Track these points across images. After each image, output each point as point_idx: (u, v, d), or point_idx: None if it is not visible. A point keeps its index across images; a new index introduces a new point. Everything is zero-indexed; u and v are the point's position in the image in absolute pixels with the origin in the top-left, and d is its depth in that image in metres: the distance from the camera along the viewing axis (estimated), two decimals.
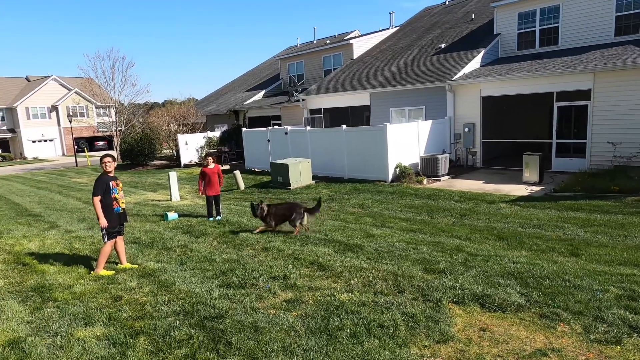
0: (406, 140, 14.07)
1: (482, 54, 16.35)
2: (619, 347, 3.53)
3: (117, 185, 6.00)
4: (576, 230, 7.56)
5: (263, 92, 28.34)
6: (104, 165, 5.94)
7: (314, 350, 3.56)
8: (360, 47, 24.27)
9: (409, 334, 3.84)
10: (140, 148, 26.00)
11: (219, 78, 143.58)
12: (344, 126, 14.97)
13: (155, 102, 54.94)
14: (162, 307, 4.65)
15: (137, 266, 6.24)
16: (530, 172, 12.05)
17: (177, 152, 24.93)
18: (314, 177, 14.90)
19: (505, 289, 4.75)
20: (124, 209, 6.13)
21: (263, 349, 3.62)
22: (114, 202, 5.94)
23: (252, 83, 32.10)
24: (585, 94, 12.81)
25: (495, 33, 17.15)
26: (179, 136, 24.38)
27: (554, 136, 13.80)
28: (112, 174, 6.02)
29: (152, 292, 5.18)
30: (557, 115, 13.68)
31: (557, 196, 10.17)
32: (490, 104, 15.32)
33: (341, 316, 4.18)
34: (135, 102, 33.66)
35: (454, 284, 4.96)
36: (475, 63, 16.13)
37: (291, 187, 13.98)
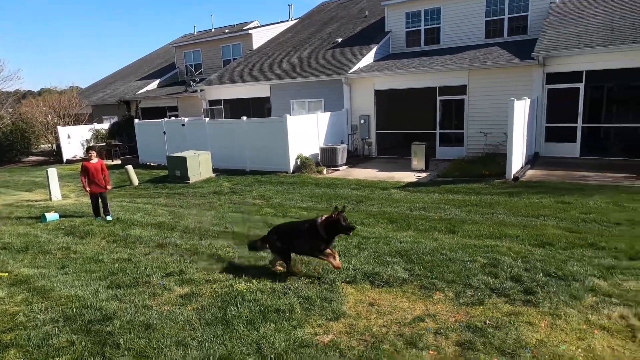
0: (306, 132, 14.38)
1: (375, 49, 17.30)
2: (481, 307, 4.09)
3: None
4: (454, 210, 8.48)
5: (157, 81, 26.65)
6: None
7: (209, 341, 3.54)
8: (259, 37, 24.05)
9: (304, 315, 4.00)
10: (11, 142, 22.82)
11: (106, 65, 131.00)
12: (244, 117, 14.79)
13: (29, 91, 48.36)
14: (38, 316, 4.21)
15: (6, 274, 5.53)
16: (418, 160, 13.16)
17: (58, 146, 22.33)
18: (214, 170, 14.51)
19: (392, 266, 5.18)
20: None
21: (155, 346, 3.50)
22: None
23: (146, 71, 29.97)
24: (462, 89, 14.32)
25: (386, 30, 18.26)
26: (60, 128, 21.83)
27: (438, 127, 15.22)
28: None
29: (25, 300, 4.65)
30: (440, 108, 15.09)
31: (440, 181, 11.28)
32: (383, 97, 16.32)
33: (238, 305, 4.20)
34: (3, 90, 29.31)
35: (348, 265, 5.26)
36: (369, 58, 17.02)
37: (190, 181, 13.45)
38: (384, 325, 3.78)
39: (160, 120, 17.88)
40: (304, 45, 20.78)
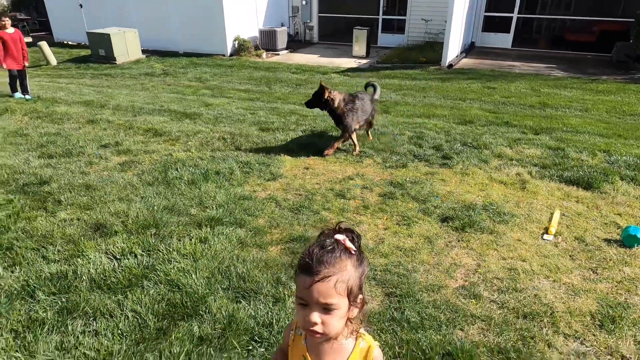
0: (244, 12, 13.41)
1: None
2: (404, 169, 4.57)
3: None
4: (390, 94, 8.79)
5: None
6: None
7: (152, 197, 3.72)
8: None
9: (243, 177, 4.26)
10: None
11: None
12: None
13: None
14: None
15: None
16: (359, 46, 13.02)
17: None
18: (144, 51, 13.41)
19: (327, 138, 5.49)
20: None
21: (98, 201, 3.63)
22: None
23: None
24: None
25: None
26: None
27: (381, 13, 14.83)
28: None
29: None
30: None
31: (379, 67, 11.41)
32: None
33: (179, 169, 4.35)
34: None
35: (286, 137, 5.49)
36: None
37: (117, 62, 12.42)
38: (317, 183, 4.16)
39: None
40: None
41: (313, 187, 4.05)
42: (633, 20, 11.10)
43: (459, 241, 3.17)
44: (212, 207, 3.55)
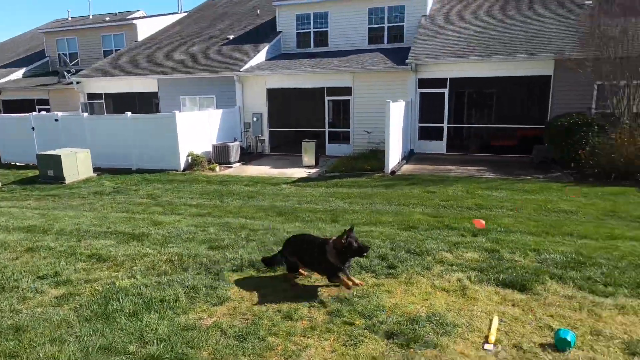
0: (198, 129, 14.15)
1: (267, 48, 17.63)
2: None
3: None
4: (338, 202, 9.21)
5: (23, 70, 23.68)
6: None
7: (88, 336, 3.52)
8: (145, 29, 22.79)
9: (189, 303, 4.17)
10: None
11: None
12: (129, 113, 14.01)
13: None
14: None
15: None
16: (308, 157, 13.85)
17: None
18: (95, 170, 13.50)
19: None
20: None
21: (27, 345, 3.38)
22: None
23: (8, 58, 26.32)
24: (348, 91, 15.40)
25: (277, 30, 18.71)
26: None
27: (327, 126, 16.14)
28: None
29: None
30: (328, 108, 16.03)
31: (328, 176, 12.07)
32: (275, 96, 16.74)
33: (121, 300, 4.19)
34: None
35: (235, 255, 5.51)
36: (261, 56, 17.29)
37: (66, 182, 12.35)
38: (265, 304, 4.13)
39: (27, 114, 15.97)
40: (194, 39, 20.25)
41: (260, 310, 4.01)
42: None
43: (404, 359, 3.19)
44: (153, 342, 3.40)
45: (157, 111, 18.55)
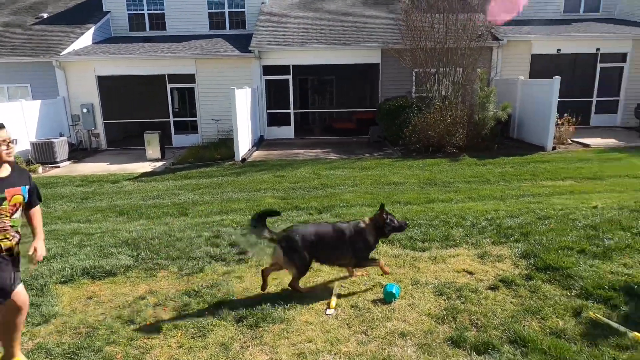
0: (8, 126, 11.83)
1: (92, 30, 15.63)
2: (202, 273, 4.56)
3: None
4: (188, 194, 8.83)
5: None
6: None
7: None
8: None
9: None
10: None
11: None
12: None
13: None
14: None
15: None
16: (153, 150, 12.87)
17: None
18: None
19: (117, 257, 5.09)
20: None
21: None
22: None
23: None
24: (191, 78, 14.70)
25: (105, 10, 16.72)
26: None
27: (172, 115, 15.20)
28: None
29: None
30: (171, 96, 15.08)
31: (175, 168, 11.43)
32: (108, 84, 15.01)
33: None
34: None
35: (64, 265, 4.85)
36: (86, 39, 15.27)
37: None
38: (102, 313, 3.76)
39: None
40: None
41: (96, 320, 3.64)
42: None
43: (253, 339, 3.27)
44: None
45: None
